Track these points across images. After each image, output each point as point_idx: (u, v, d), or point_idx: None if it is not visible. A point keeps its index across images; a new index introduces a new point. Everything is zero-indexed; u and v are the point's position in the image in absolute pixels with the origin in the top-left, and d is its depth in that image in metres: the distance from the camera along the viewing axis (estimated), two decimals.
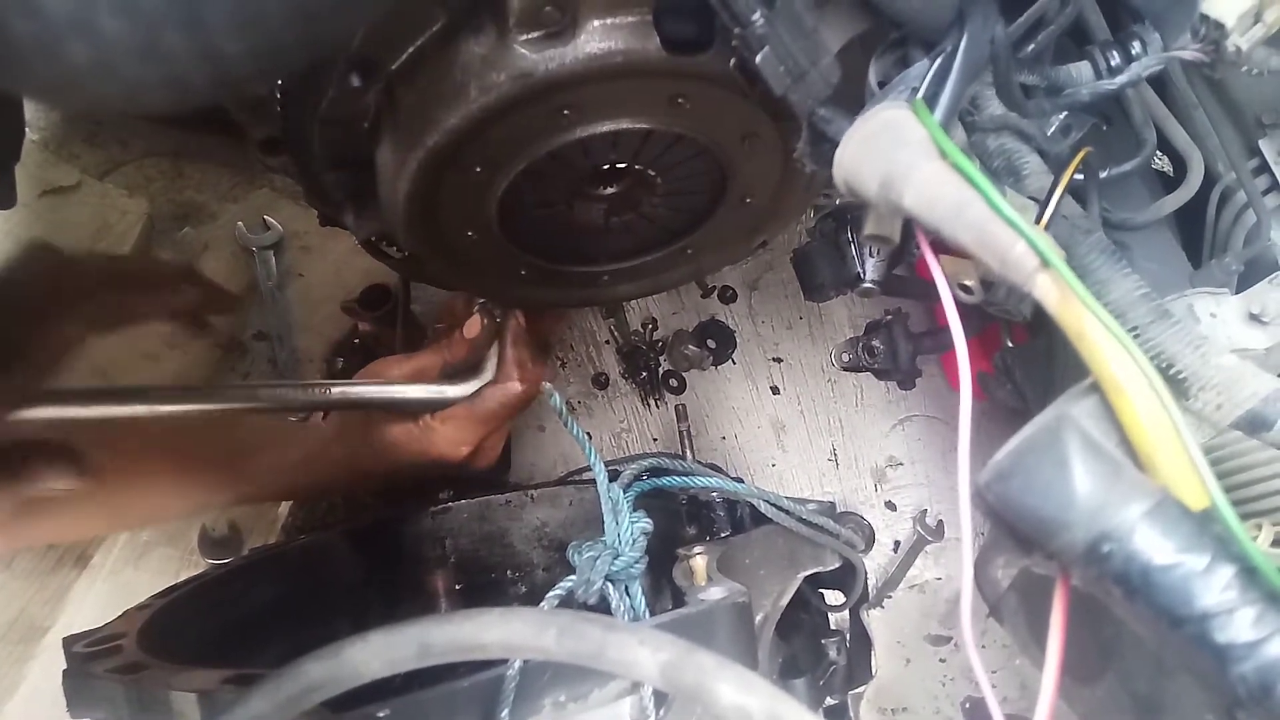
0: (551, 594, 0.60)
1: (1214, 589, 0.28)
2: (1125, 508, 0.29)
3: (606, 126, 0.62)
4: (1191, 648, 0.28)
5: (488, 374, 0.83)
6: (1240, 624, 0.27)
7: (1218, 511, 0.29)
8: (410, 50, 0.57)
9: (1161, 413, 0.30)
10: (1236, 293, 0.77)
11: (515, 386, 0.83)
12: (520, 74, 0.55)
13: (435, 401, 0.81)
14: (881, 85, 0.49)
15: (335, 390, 0.78)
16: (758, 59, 0.44)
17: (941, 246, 0.40)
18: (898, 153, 0.35)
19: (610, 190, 0.72)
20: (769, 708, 0.33)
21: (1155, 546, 0.29)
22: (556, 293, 0.85)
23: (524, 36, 0.54)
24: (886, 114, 0.37)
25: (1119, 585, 0.29)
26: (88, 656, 0.58)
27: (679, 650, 0.35)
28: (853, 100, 0.46)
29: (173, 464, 0.84)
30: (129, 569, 1.03)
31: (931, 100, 0.40)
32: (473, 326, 0.82)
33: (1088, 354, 0.31)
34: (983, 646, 1.20)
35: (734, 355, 1.30)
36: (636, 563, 0.64)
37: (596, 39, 0.55)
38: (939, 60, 0.42)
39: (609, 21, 0.54)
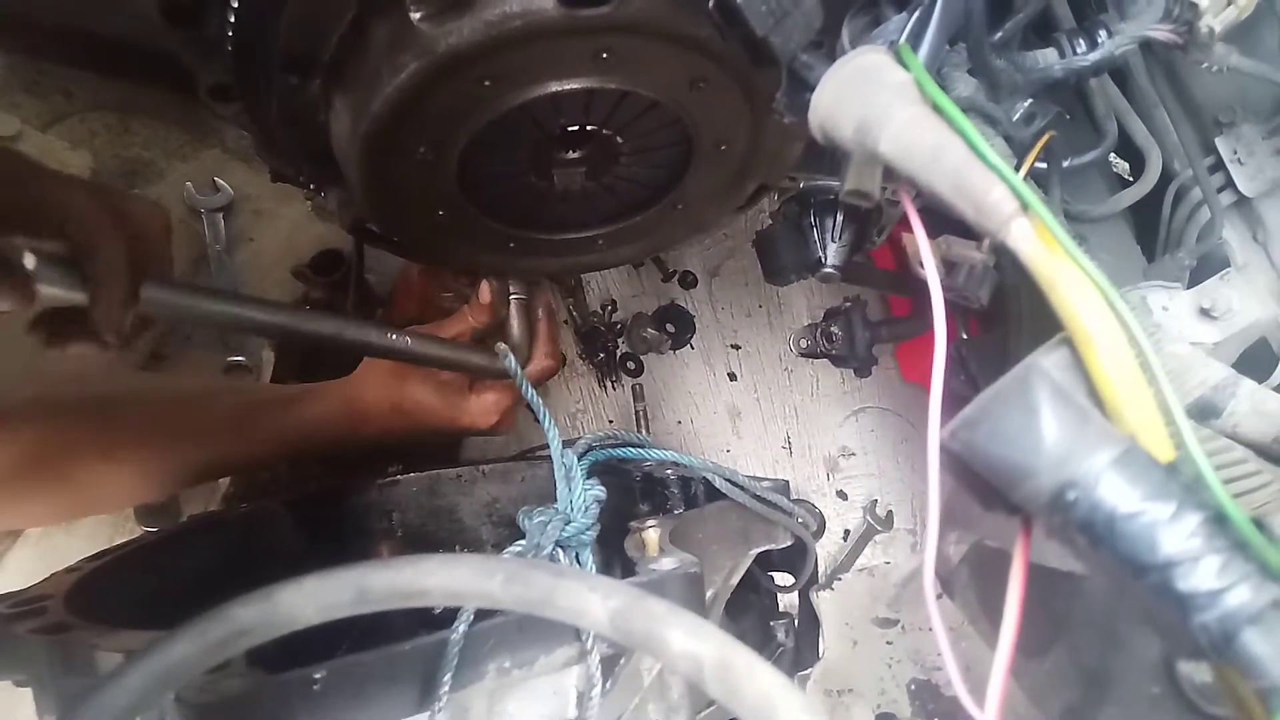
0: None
1: (1178, 536, 0.28)
2: (1092, 455, 0.29)
3: (537, 91, 0.60)
4: (1154, 597, 0.28)
5: (517, 342, 0.88)
6: (1204, 572, 0.27)
7: (1189, 455, 0.29)
8: (334, 42, 0.57)
9: (1132, 363, 0.30)
10: (1188, 288, 0.78)
11: (549, 363, 0.90)
12: (423, 51, 0.54)
13: (488, 369, 0.85)
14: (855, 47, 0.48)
15: (412, 341, 0.78)
16: None
17: (909, 225, 0.40)
18: (875, 97, 0.34)
19: (577, 154, 0.70)
20: (719, 654, 0.32)
21: (1120, 494, 0.28)
22: (554, 261, 0.84)
23: (421, 13, 0.53)
24: (865, 58, 0.36)
25: (1083, 533, 0.29)
26: (10, 617, 0.55)
27: (629, 597, 0.34)
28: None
29: (172, 432, 0.84)
30: (60, 533, 0.99)
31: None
32: (485, 293, 0.87)
33: (1060, 303, 0.31)
34: (929, 629, 1.21)
35: (692, 340, 1.30)
36: (588, 529, 0.62)
37: (492, 6, 0.53)
38: (917, 13, 0.41)
39: None
